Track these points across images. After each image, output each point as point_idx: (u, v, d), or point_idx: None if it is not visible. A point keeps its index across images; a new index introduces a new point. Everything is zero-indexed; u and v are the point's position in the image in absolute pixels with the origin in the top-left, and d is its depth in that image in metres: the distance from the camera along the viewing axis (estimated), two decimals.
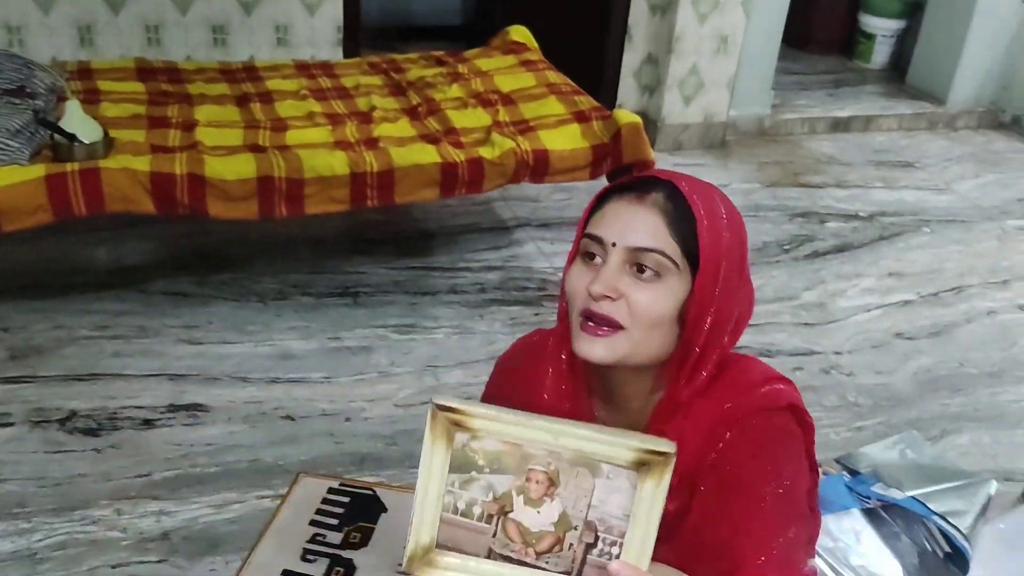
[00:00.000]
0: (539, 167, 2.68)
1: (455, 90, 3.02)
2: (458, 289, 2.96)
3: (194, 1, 3.35)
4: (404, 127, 2.77)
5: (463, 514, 0.74)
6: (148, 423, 2.28)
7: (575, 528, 0.73)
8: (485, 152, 2.63)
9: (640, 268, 1.00)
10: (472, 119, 2.82)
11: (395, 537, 1.73)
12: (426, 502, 0.74)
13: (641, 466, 0.73)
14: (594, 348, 1.01)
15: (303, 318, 2.74)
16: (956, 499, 2.20)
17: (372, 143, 2.63)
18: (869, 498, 2.17)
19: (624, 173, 2.78)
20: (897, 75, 5.12)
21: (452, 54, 3.35)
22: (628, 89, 4.05)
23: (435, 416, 0.75)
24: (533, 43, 3.41)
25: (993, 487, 2.24)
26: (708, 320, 1.02)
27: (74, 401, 2.32)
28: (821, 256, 3.39)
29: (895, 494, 2.18)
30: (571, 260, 1.07)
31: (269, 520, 1.73)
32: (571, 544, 0.73)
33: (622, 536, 0.72)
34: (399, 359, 2.62)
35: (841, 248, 3.46)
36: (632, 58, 4.06)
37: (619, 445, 0.72)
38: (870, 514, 2.19)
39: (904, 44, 5.13)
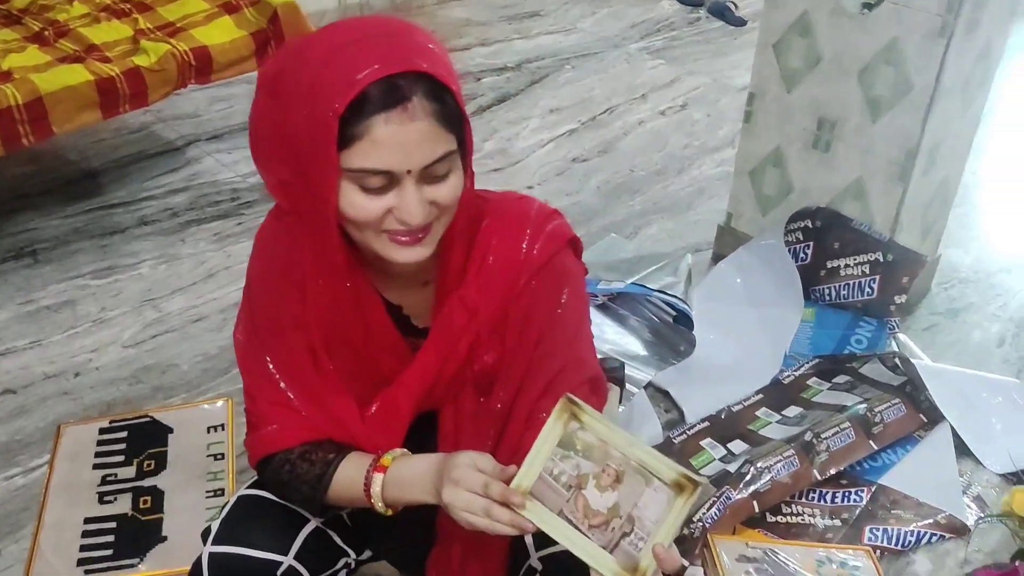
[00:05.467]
0: (203, 66, 2.52)
1: (79, 8, 2.73)
2: (148, 220, 2.76)
3: None
4: (35, 55, 2.46)
5: (554, 477, 0.97)
6: None
7: (620, 517, 0.95)
8: (141, 61, 2.42)
9: (435, 174, 0.99)
10: (110, 33, 2.58)
11: (192, 452, 1.64)
12: (536, 459, 0.97)
13: (678, 487, 0.94)
14: (413, 253, 1.02)
15: None
16: (666, 275, 2.49)
17: (5, 77, 2.33)
18: (596, 295, 2.41)
19: None
20: None
21: None
22: None
23: (565, 405, 0.97)
24: None
25: (689, 259, 2.57)
26: (471, 160, 1.06)
27: None
28: (487, 109, 3.56)
29: (617, 286, 2.44)
30: (338, 187, 0.97)
31: (45, 482, 1.58)
32: (614, 527, 0.95)
33: (648, 535, 0.94)
34: (109, 303, 2.41)
35: (502, 99, 3.65)
36: None
37: (670, 467, 0.94)
38: (603, 309, 2.44)
39: None
